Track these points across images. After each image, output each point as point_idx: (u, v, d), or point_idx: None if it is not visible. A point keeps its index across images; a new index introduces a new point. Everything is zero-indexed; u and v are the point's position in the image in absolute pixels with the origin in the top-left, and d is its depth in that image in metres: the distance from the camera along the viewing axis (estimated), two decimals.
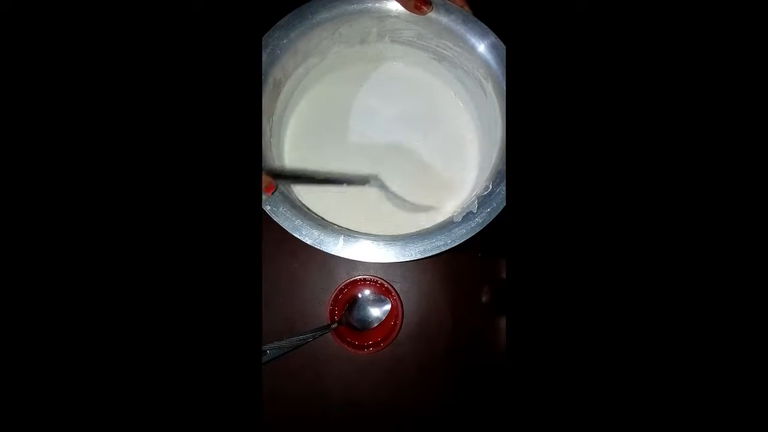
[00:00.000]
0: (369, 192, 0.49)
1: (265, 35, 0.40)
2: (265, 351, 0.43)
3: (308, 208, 0.41)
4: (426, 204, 0.49)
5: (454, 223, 0.38)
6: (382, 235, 0.39)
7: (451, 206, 0.48)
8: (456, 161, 0.50)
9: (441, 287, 0.52)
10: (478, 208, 0.38)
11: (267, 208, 0.38)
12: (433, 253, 0.38)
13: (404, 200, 0.49)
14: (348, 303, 0.50)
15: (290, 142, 0.50)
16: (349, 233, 0.39)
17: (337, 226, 0.40)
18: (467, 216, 0.38)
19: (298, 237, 0.38)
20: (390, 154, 0.50)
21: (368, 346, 0.48)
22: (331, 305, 0.49)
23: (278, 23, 0.40)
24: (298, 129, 0.50)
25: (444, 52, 0.46)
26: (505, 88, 0.41)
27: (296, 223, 0.38)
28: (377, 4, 0.41)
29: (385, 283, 0.50)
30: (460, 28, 0.41)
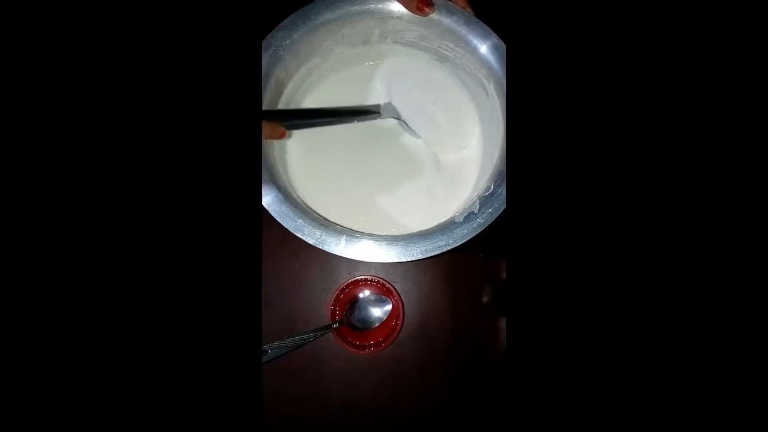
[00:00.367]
0: (370, 192, 0.49)
1: (268, 36, 0.40)
2: (266, 350, 0.43)
3: (310, 208, 0.41)
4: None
5: (456, 223, 0.39)
6: (383, 235, 0.39)
7: (452, 206, 0.48)
8: (458, 161, 0.50)
9: (442, 288, 0.52)
10: (479, 208, 0.38)
11: (269, 207, 0.38)
12: (435, 253, 0.38)
13: (420, 135, 0.50)
14: (349, 303, 0.50)
15: (293, 142, 0.50)
16: (351, 233, 0.39)
17: (339, 226, 0.40)
18: (469, 216, 0.38)
19: (300, 237, 0.38)
20: (392, 154, 0.50)
21: (369, 346, 0.49)
22: (332, 305, 0.49)
23: (281, 24, 0.41)
24: (301, 130, 0.50)
25: (446, 53, 0.46)
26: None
27: (298, 222, 0.38)
28: (380, 6, 0.41)
29: (386, 283, 0.50)
30: (462, 30, 0.41)
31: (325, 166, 0.49)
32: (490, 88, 0.43)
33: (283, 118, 0.41)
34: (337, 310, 0.49)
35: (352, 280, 0.50)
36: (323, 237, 0.38)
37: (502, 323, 0.51)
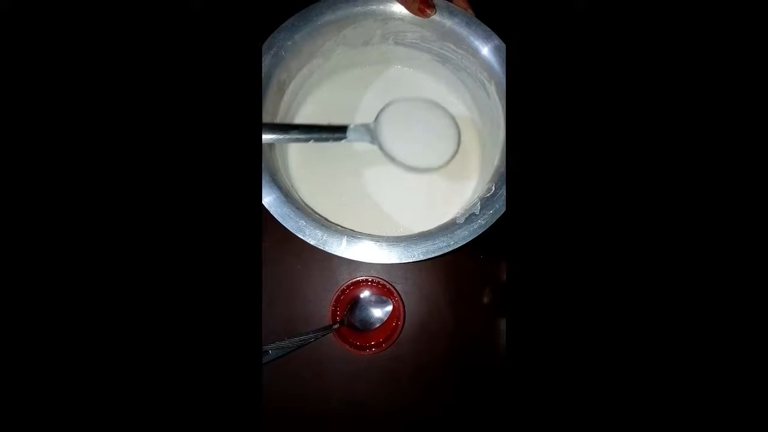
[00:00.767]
0: (371, 193, 0.49)
1: (270, 37, 0.40)
2: (267, 351, 0.43)
3: (312, 209, 0.41)
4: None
5: (457, 224, 0.39)
6: (384, 236, 0.39)
7: (453, 208, 0.48)
8: (459, 163, 0.50)
9: (443, 289, 0.52)
10: (480, 209, 0.39)
11: (270, 208, 0.38)
12: (436, 254, 0.38)
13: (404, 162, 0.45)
14: (350, 304, 0.50)
15: (294, 144, 0.50)
16: (352, 234, 0.39)
17: (340, 226, 0.40)
18: (470, 218, 0.39)
19: (302, 237, 0.38)
20: None
21: (370, 347, 0.49)
22: (333, 306, 0.49)
23: (283, 25, 0.41)
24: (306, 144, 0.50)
25: (447, 54, 0.46)
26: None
27: (299, 223, 0.38)
28: (381, 7, 0.41)
29: (387, 284, 0.50)
30: (463, 31, 0.41)
31: (327, 167, 0.49)
32: (491, 89, 0.43)
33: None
34: (338, 311, 0.49)
35: (353, 280, 0.50)
36: (324, 238, 0.38)
37: (503, 324, 0.51)
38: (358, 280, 0.50)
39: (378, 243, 0.38)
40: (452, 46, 0.44)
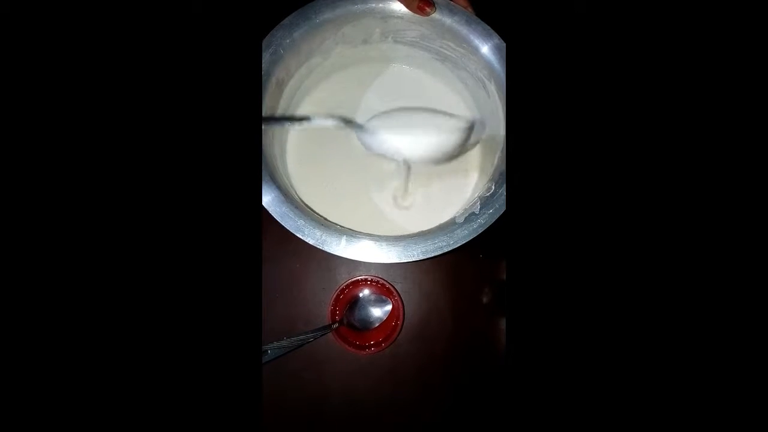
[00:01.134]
0: (370, 192, 0.49)
1: (269, 35, 0.40)
2: (266, 351, 0.43)
3: (310, 208, 0.41)
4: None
5: (456, 224, 0.38)
6: (384, 236, 0.39)
7: (453, 207, 0.48)
8: (458, 162, 0.50)
9: (442, 288, 0.52)
10: (480, 209, 0.38)
11: (269, 207, 0.38)
12: (435, 254, 0.38)
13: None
14: (349, 303, 0.50)
15: (293, 141, 0.50)
16: (351, 233, 0.39)
17: (339, 226, 0.40)
18: (469, 217, 0.38)
19: (300, 237, 0.38)
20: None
21: (369, 346, 0.48)
22: (332, 305, 0.49)
23: (281, 23, 0.40)
24: (301, 130, 0.50)
25: (447, 53, 0.46)
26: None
27: (298, 223, 0.38)
28: (381, 5, 0.41)
29: (386, 283, 0.50)
30: (463, 30, 0.41)
31: (325, 166, 0.49)
32: (491, 88, 0.43)
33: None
34: (337, 311, 0.49)
35: (352, 280, 0.50)
36: (323, 237, 0.38)
37: (502, 323, 0.51)
38: (358, 280, 0.50)
39: (377, 242, 0.38)
40: (452, 45, 0.44)
